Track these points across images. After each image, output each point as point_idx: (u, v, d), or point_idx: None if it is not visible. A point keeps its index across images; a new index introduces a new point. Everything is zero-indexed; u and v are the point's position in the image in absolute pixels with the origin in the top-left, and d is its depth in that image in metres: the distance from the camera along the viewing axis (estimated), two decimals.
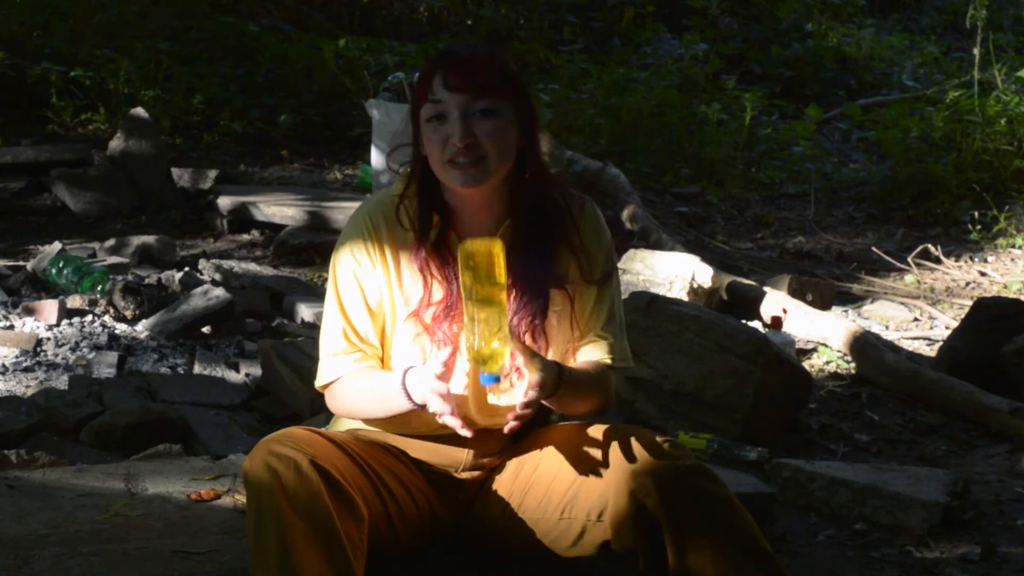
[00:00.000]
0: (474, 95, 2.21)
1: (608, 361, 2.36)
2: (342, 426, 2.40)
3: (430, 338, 2.29)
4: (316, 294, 5.14)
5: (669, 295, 4.83)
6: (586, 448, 2.26)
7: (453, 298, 2.27)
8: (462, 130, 2.20)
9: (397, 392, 2.21)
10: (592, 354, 2.36)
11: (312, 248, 6.08)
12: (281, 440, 2.15)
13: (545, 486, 2.29)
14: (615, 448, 2.20)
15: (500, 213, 2.31)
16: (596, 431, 2.29)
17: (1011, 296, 5.80)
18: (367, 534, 2.14)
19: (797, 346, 4.71)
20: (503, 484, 2.36)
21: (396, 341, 2.33)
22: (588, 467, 2.23)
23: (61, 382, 4.00)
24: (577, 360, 2.37)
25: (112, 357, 4.16)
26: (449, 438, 2.36)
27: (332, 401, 2.37)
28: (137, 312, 4.57)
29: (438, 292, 2.28)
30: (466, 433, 2.13)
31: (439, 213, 2.30)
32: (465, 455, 2.38)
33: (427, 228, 2.28)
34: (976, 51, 8.21)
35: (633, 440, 2.20)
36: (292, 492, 2.06)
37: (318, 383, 2.37)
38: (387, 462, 2.30)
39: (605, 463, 2.19)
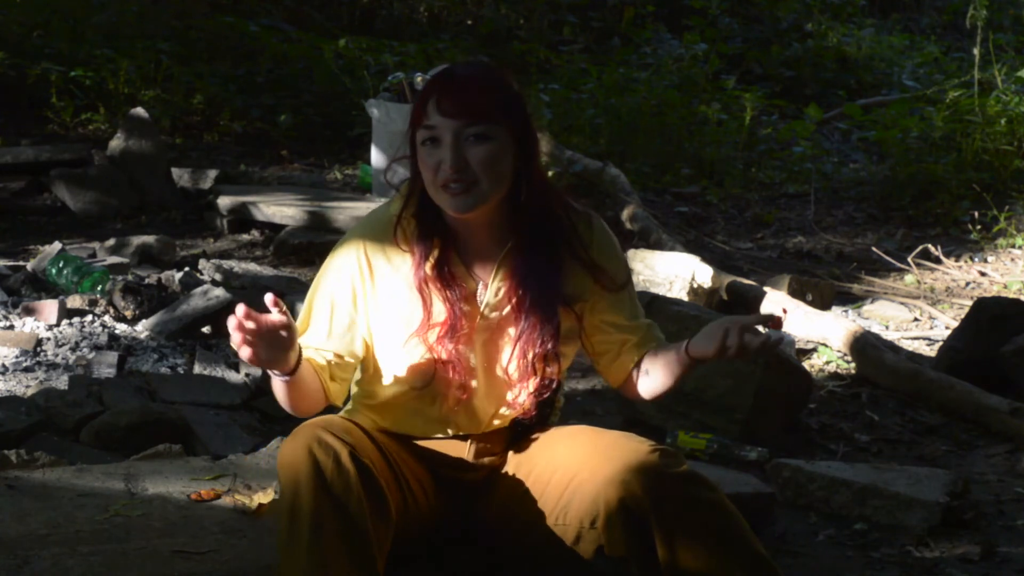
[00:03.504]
0: (467, 121, 2.18)
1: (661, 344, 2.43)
2: (358, 417, 2.39)
3: (435, 359, 2.29)
4: None
5: (669, 295, 4.83)
6: (578, 455, 2.26)
7: (455, 319, 2.27)
8: (453, 156, 2.18)
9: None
10: (640, 340, 2.41)
11: (312, 248, 6.08)
12: (325, 427, 2.15)
13: (540, 491, 2.30)
14: (606, 455, 2.20)
15: (502, 235, 2.30)
16: (590, 437, 2.30)
17: (1011, 296, 5.80)
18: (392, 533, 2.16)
19: (797, 346, 4.72)
20: (502, 485, 2.37)
21: (395, 361, 2.32)
22: (580, 474, 2.23)
23: (61, 382, 3.99)
24: (628, 353, 2.41)
25: (112, 357, 4.16)
26: (448, 440, 2.38)
27: None
28: (137, 312, 4.57)
29: (440, 313, 2.27)
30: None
31: (439, 235, 2.28)
32: (467, 454, 2.39)
33: (427, 250, 2.27)
34: (976, 51, 8.21)
35: (624, 448, 2.20)
36: (330, 483, 2.07)
37: None
38: (405, 457, 2.30)
39: (597, 470, 2.19)
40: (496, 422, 2.38)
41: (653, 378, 2.39)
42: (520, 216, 2.28)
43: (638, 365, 2.41)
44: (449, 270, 2.28)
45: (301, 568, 2.05)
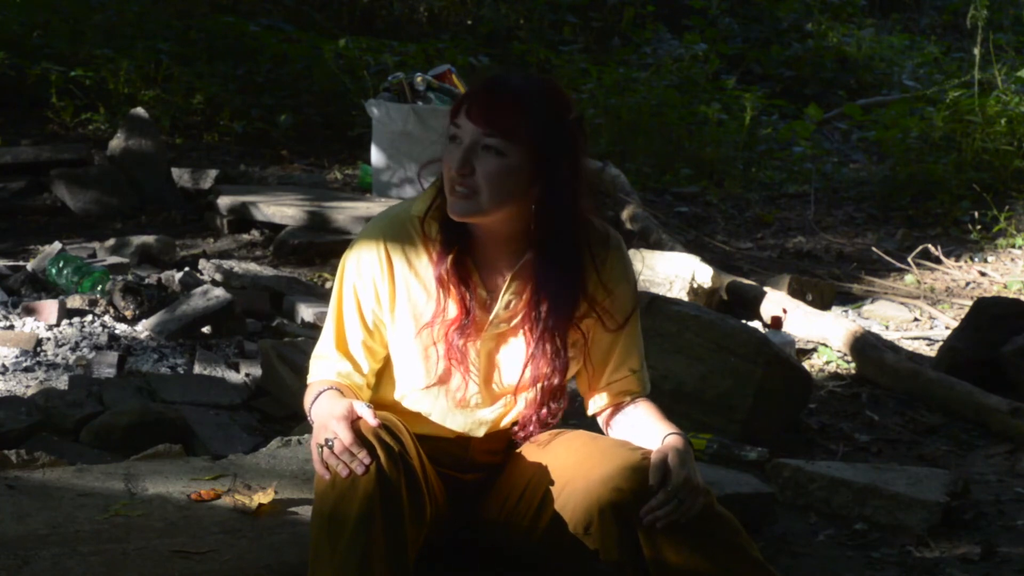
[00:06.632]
0: (486, 131, 2.19)
1: (642, 394, 2.43)
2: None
3: (442, 354, 2.30)
4: (316, 294, 5.14)
5: (669, 295, 4.83)
6: (574, 460, 2.26)
7: (467, 320, 2.28)
8: (460, 159, 2.20)
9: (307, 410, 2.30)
10: (623, 388, 2.41)
11: (312, 248, 6.07)
12: (384, 418, 2.16)
13: (537, 494, 2.30)
14: (600, 461, 2.20)
15: (519, 247, 2.30)
16: (586, 443, 2.30)
17: (1011, 296, 5.80)
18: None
19: (797, 346, 4.71)
20: (501, 487, 2.38)
21: (404, 354, 2.34)
22: (575, 480, 2.23)
23: (61, 382, 3.99)
24: (608, 390, 2.42)
25: (112, 357, 4.15)
26: (450, 440, 2.38)
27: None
28: (137, 312, 4.57)
29: (452, 311, 2.29)
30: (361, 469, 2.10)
31: (459, 239, 2.29)
32: (468, 455, 2.40)
33: (446, 251, 2.28)
34: (976, 51, 8.21)
35: (617, 455, 2.20)
36: (383, 480, 2.07)
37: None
38: (424, 457, 2.30)
39: (590, 475, 2.19)
40: (502, 424, 2.39)
41: (628, 437, 2.37)
42: (536, 234, 2.27)
43: (616, 407, 2.42)
44: (465, 271, 2.29)
45: (340, 560, 2.05)
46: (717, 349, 3.84)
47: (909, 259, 6.44)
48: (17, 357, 4.18)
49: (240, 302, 4.68)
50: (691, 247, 6.26)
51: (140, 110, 7.17)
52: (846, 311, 5.52)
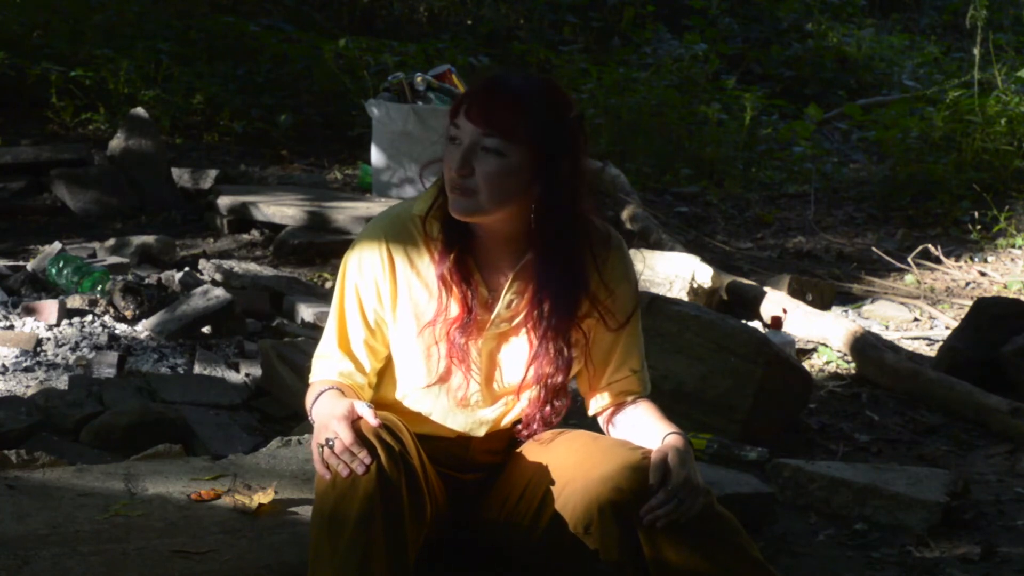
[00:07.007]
0: (485, 131, 2.19)
1: (643, 394, 2.44)
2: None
3: (443, 353, 2.30)
4: (316, 294, 5.14)
5: (669, 295, 4.83)
6: (574, 460, 2.26)
7: (469, 319, 2.28)
8: (460, 160, 2.20)
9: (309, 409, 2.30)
10: (624, 388, 2.42)
11: (312, 248, 6.07)
12: (385, 419, 2.16)
13: (537, 494, 2.30)
14: (600, 460, 2.20)
15: (519, 247, 2.30)
16: (586, 443, 2.30)
17: (1011, 296, 5.80)
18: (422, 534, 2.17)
19: (797, 346, 4.71)
20: (501, 487, 2.38)
21: (405, 353, 2.34)
22: (575, 480, 2.23)
23: (61, 382, 4.00)
24: (609, 390, 2.42)
25: (112, 357, 4.16)
26: (451, 440, 2.38)
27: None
28: (137, 312, 4.57)
29: (453, 310, 2.29)
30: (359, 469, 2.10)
31: (461, 238, 2.29)
32: (468, 455, 2.40)
33: (448, 250, 2.28)
34: (976, 51, 8.21)
35: (617, 454, 2.20)
36: (384, 479, 2.07)
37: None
38: (425, 457, 2.31)
39: (590, 474, 2.19)
40: (503, 424, 2.40)
41: (628, 437, 2.38)
42: (537, 233, 2.27)
43: (616, 408, 2.43)
44: (467, 270, 2.29)
45: (340, 560, 2.05)
46: (717, 349, 3.84)
47: (909, 259, 6.44)
48: (17, 357, 4.18)
49: (240, 302, 4.68)
50: (691, 247, 6.26)
51: (140, 110, 7.17)
52: (846, 311, 5.52)
